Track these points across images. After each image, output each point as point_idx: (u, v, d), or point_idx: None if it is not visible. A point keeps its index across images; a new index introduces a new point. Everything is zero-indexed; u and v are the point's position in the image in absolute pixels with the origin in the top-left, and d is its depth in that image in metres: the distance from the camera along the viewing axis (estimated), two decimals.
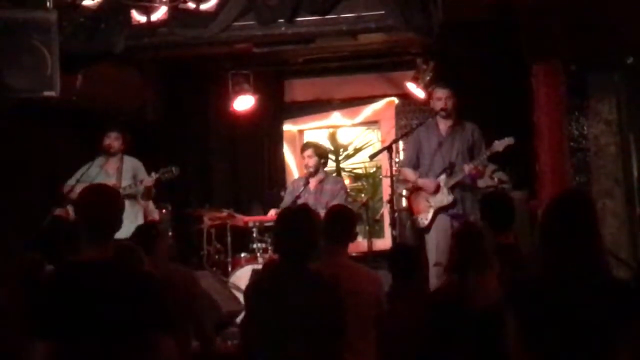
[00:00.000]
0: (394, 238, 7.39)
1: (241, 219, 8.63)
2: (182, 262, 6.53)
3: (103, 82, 8.11)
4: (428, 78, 8.58)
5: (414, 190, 7.35)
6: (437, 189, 7.08)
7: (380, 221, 10.22)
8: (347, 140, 11.83)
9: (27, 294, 4.68)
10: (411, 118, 9.95)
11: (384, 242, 9.59)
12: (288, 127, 10.82)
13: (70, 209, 7.53)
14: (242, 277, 7.74)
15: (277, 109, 10.55)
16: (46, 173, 7.89)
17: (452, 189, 7.09)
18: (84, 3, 7.21)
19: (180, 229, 8.59)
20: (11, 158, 7.57)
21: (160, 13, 7.29)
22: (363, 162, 11.82)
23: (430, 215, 7.13)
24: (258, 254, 8.28)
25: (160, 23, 7.33)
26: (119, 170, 7.76)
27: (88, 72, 7.78)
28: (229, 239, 8.54)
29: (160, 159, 8.11)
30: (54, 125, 8.04)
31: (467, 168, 7.03)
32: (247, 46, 8.06)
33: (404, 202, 8.43)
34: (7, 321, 4.72)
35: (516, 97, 7.63)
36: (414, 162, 7.34)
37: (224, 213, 8.63)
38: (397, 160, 8.50)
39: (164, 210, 8.38)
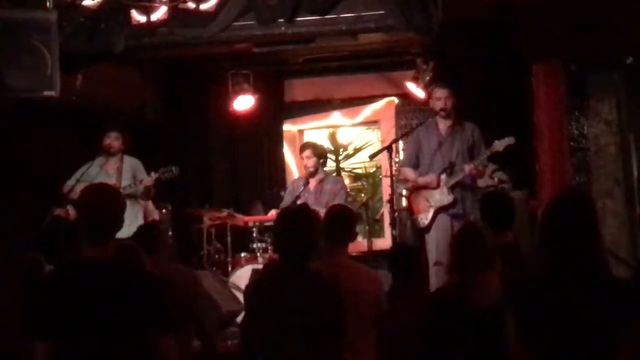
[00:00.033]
0: (393, 238, 7.39)
1: (241, 218, 8.64)
2: (182, 262, 6.53)
3: (103, 82, 8.11)
4: (428, 78, 8.58)
5: (414, 190, 7.35)
6: (438, 183, 7.08)
7: (380, 221, 10.23)
8: (347, 140, 11.84)
9: (27, 294, 4.68)
10: (411, 118, 9.95)
11: (384, 242, 9.59)
12: (288, 127, 10.82)
13: (70, 209, 7.54)
14: (242, 276, 7.74)
15: (277, 108, 10.55)
16: (46, 173, 7.88)
17: (452, 188, 7.09)
18: (84, 3, 7.21)
19: (180, 228, 8.59)
20: (11, 158, 7.56)
21: (160, 13, 7.29)
22: (363, 162, 11.83)
23: (430, 215, 7.13)
24: (258, 254, 8.28)
25: (160, 23, 7.34)
26: (118, 170, 7.76)
27: (88, 72, 7.78)
28: (229, 238, 8.55)
29: (160, 158, 8.11)
30: (54, 125, 8.04)
31: (468, 168, 7.03)
32: (247, 46, 8.06)
33: (404, 202, 8.43)
34: (7, 321, 4.72)
35: (516, 96, 7.63)
36: (414, 162, 7.34)
37: (224, 213, 8.64)
38: (397, 160, 8.51)
39: (163, 210, 8.38)
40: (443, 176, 7.11)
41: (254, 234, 8.40)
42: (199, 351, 5.11)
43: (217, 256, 8.64)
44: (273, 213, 8.11)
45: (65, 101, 7.15)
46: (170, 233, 7.74)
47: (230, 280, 7.91)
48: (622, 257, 6.65)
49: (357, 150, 11.81)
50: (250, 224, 8.51)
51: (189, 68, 9.42)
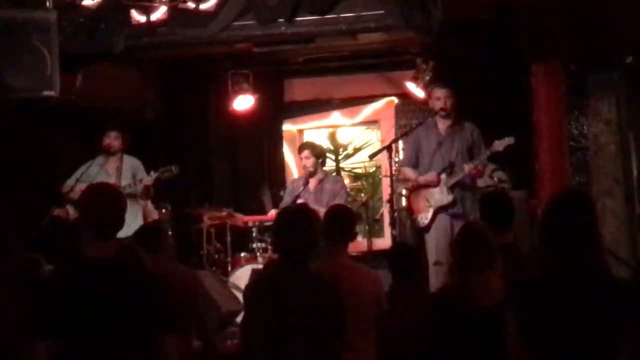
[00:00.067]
0: (393, 237, 7.39)
1: (241, 218, 8.64)
2: (182, 261, 6.53)
3: (103, 82, 8.11)
4: (428, 78, 8.58)
5: (414, 189, 7.35)
6: (438, 182, 7.07)
7: (380, 221, 10.23)
8: (346, 139, 11.83)
9: (27, 294, 4.69)
10: (411, 118, 9.95)
11: (384, 242, 9.59)
12: (288, 127, 10.82)
13: (70, 208, 7.54)
14: (241, 276, 7.74)
15: (276, 108, 10.55)
16: (46, 173, 7.88)
17: (451, 188, 7.09)
18: (84, 3, 7.21)
19: (180, 228, 8.59)
20: (11, 158, 7.57)
21: (159, 13, 7.29)
22: (363, 162, 11.82)
23: (430, 214, 7.13)
24: (258, 254, 8.28)
25: (160, 23, 7.34)
26: (118, 169, 7.76)
27: (88, 72, 7.78)
28: (228, 238, 8.55)
29: (160, 158, 8.11)
30: (54, 125, 8.04)
31: (467, 168, 7.03)
32: (247, 46, 8.06)
33: (404, 202, 8.43)
34: (7, 321, 4.72)
35: (516, 96, 7.63)
36: (414, 162, 7.34)
37: (224, 212, 8.64)
38: (396, 159, 8.50)
39: (163, 210, 8.38)
40: (443, 176, 7.11)
41: (254, 234, 8.40)
42: (199, 351, 5.11)
43: (216, 256, 8.64)
44: (273, 213, 8.11)
45: (65, 101, 7.15)
46: (170, 233, 7.74)
47: (229, 280, 7.91)
48: (621, 256, 6.65)
49: (356, 150, 11.81)
50: (250, 223, 8.51)
51: (188, 68, 9.42)
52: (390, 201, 7.50)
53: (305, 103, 10.69)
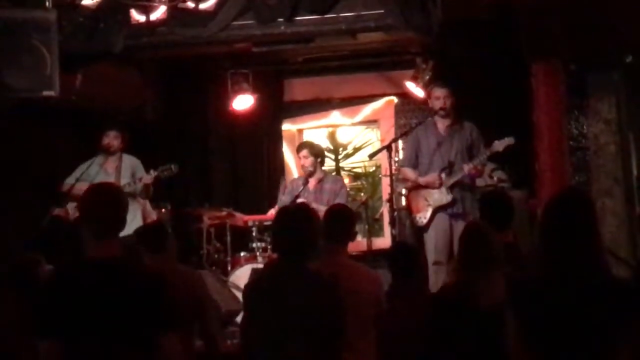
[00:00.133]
0: (393, 237, 7.40)
1: (241, 218, 8.64)
2: (182, 261, 6.53)
3: (102, 82, 8.11)
4: (427, 77, 8.58)
5: (413, 188, 7.35)
6: (441, 183, 7.07)
7: (379, 220, 10.22)
8: (346, 139, 11.82)
9: (27, 294, 4.69)
10: (410, 117, 9.94)
11: (384, 241, 9.59)
12: (287, 127, 10.82)
13: (69, 208, 7.54)
14: (241, 276, 7.74)
15: (276, 108, 10.55)
16: (46, 172, 7.89)
17: (451, 188, 7.09)
18: (83, 2, 7.21)
19: (180, 228, 8.58)
20: (11, 158, 7.57)
21: (159, 12, 7.29)
22: (362, 161, 11.81)
23: (428, 214, 7.13)
24: (257, 253, 8.28)
25: (160, 22, 7.34)
26: (117, 169, 7.76)
27: (87, 71, 7.78)
28: (228, 238, 8.55)
29: (160, 158, 8.10)
30: (54, 124, 8.04)
31: (467, 168, 7.03)
32: (247, 45, 8.06)
33: (404, 201, 8.43)
34: (7, 321, 4.73)
35: (516, 96, 7.62)
36: (413, 162, 7.34)
37: (224, 212, 8.64)
38: (396, 159, 8.50)
39: (163, 210, 8.38)
40: (442, 175, 7.11)
41: (254, 234, 8.40)
42: (201, 351, 5.11)
43: (216, 255, 8.64)
44: (272, 212, 8.10)
45: (65, 101, 7.15)
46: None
47: (229, 280, 7.91)
48: (621, 256, 6.66)
49: (356, 150, 11.80)
50: (250, 223, 8.51)
51: (188, 67, 9.42)
52: (390, 201, 7.50)
53: (305, 103, 10.68)
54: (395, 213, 7.75)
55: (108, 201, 3.52)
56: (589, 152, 7.19)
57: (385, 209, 9.34)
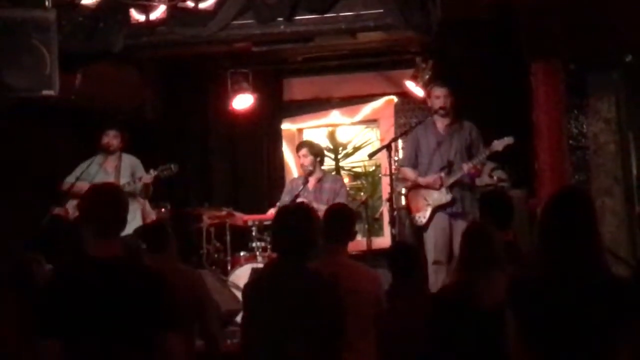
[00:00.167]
0: (393, 236, 7.40)
1: (240, 217, 8.64)
2: (182, 261, 6.54)
3: (102, 81, 8.11)
4: (427, 77, 8.58)
5: (413, 188, 7.35)
6: (441, 184, 7.06)
7: (379, 219, 10.22)
8: (346, 138, 11.82)
9: (27, 294, 4.69)
10: (410, 116, 9.94)
11: (384, 241, 9.59)
12: (287, 126, 10.81)
13: (69, 207, 7.54)
14: (241, 275, 7.74)
15: (276, 107, 10.54)
16: (45, 172, 7.89)
17: (450, 187, 7.09)
18: (83, 2, 7.21)
19: (180, 228, 8.57)
20: (10, 157, 7.57)
21: (159, 12, 7.29)
22: (362, 161, 11.81)
23: (428, 213, 7.13)
24: (257, 253, 8.28)
25: (159, 22, 7.34)
26: (117, 168, 7.76)
27: (87, 71, 7.78)
28: (228, 237, 8.55)
29: (160, 157, 8.10)
30: (53, 124, 8.05)
31: (466, 167, 7.03)
32: (246, 45, 8.06)
33: (403, 201, 8.43)
34: (7, 321, 4.72)
35: (515, 96, 7.63)
36: (413, 161, 7.33)
37: (223, 212, 8.64)
38: (396, 158, 8.49)
39: (163, 209, 8.37)
40: (443, 176, 7.11)
41: (253, 233, 8.40)
42: (202, 351, 5.11)
43: (216, 255, 8.64)
44: (272, 212, 8.10)
45: (65, 100, 7.15)
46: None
47: (229, 280, 7.91)
48: (621, 255, 6.66)
49: (356, 149, 11.80)
50: (250, 222, 8.51)
51: (188, 67, 9.42)
52: (389, 200, 7.50)
53: (305, 102, 10.68)
54: (395, 212, 7.75)
55: (109, 201, 3.52)
56: (588, 151, 7.20)
57: (385, 209, 9.33)
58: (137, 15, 7.31)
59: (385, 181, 8.87)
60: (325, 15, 7.22)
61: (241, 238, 8.62)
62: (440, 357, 4.02)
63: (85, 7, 7.22)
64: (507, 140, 6.91)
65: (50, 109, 7.43)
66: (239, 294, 7.05)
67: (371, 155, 8.18)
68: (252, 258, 8.25)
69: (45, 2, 6.68)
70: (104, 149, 7.75)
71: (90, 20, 7.26)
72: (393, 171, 7.27)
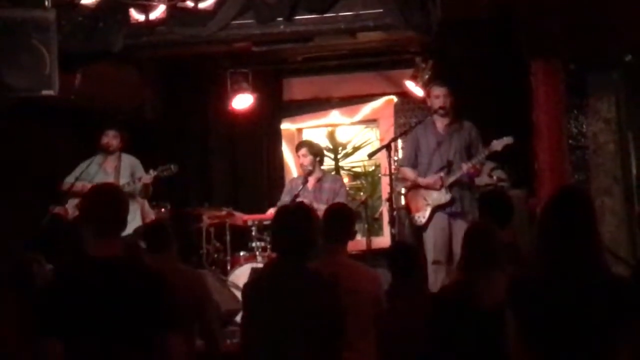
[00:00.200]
0: (392, 236, 7.39)
1: (240, 217, 8.64)
2: (181, 261, 6.54)
3: (102, 81, 8.11)
4: (427, 76, 8.58)
5: (412, 188, 7.35)
6: (442, 184, 7.06)
7: (379, 219, 10.21)
8: (345, 138, 11.81)
9: (27, 294, 4.69)
10: (410, 116, 9.95)
11: (383, 240, 9.58)
12: (287, 126, 10.81)
13: (69, 207, 7.54)
14: (241, 275, 7.74)
15: (275, 107, 10.54)
16: (45, 172, 7.89)
17: (450, 187, 7.09)
18: (83, 2, 7.20)
19: (179, 227, 8.57)
20: (10, 157, 7.57)
21: (158, 12, 7.29)
22: (362, 161, 11.80)
23: (427, 213, 7.13)
24: (257, 253, 8.28)
25: (159, 22, 7.34)
26: (116, 168, 7.77)
27: (87, 71, 7.78)
28: (228, 237, 8.54)
29: (159, 157, 8.10)
30: (53, 124, 8.05)
31: (466, 167, 7.03)
32: (246, 45, 8.06)
33: (403, 200, 8.43)
34: (7, 321, 4.72)
35: (515, 95, 7.62)
36: (413, 161, 7.33)
37: (223, 212, 8.63)
38: (395, 158, 8.49)
39: (162, 209, 8.37)
40: (443, 176, 7.11)
41: (253, 233, 8.40)
42: (202, 350, 5.11)
43: (216, 255, 8.64)
44: (271, 212, 8.10)
45: (64, 100, 7.15)
46: None
47: (229, 279, 7.91)
48: (621, 255, 6.66)
49: (356, 149, 11.79)
50: (250, 222, 8.51)
51: (187, 67, 9.42)
52: (389, 200, 7.49)
53: (304, 102, 10.67)
54: (395, 212, 7.74)
55: (109, 201, 3.53)
56: (588, 151, 7.20)
57: (384, 208, 9.32)
58: (136, 15, 7.31)
59: (385, 181, 8.87)
60: (325, 15, 7.22)
61: (241, 238, 8.62)
62: (440, 357, 4.02)
63: (85, 7, 7.22)
64: (506, 140, 6.91)
65: (50, 109, 7.43)
66: (238, 294, 7.05)
67: (371, 155, 8.18)
68: (252, 258, 8.25)
69: (45, 2, 6.68)
70: (104, 149, 7.75)
71: (90, 20, 7.26)
72: (393, 171, 7.27)
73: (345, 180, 10.36)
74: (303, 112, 10.85)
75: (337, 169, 11.52)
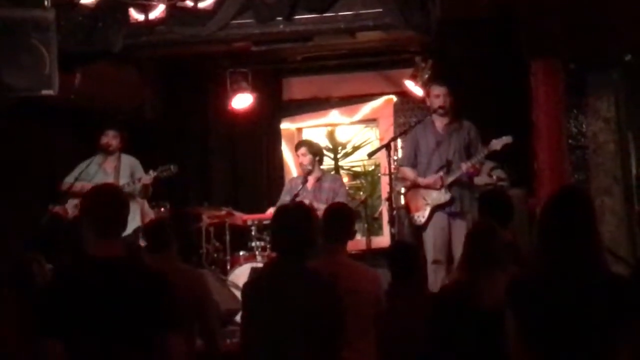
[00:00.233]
0: (392, 236, 7.38)
1: (240, 217, 8.64)
2: (181, 260, 6.54)
3: (101, 81, 8.11)
4: (426, 76, 8.58)
5: (411, 187, 7.35)
6: (442, 184, 7.06)
7: (378, 219, 10.21)
8: (345, 138, 11.81)
9: (27, 294, 4.69)
10: (409, 116, 9.95)
11: (383, 240, 9.58)
12: (286, 125, 10.81)
13: (68, 206, 7.54)
14: (240, 275, 7.74)
15: (275, 107, 10.55)
16: (45, 172, 7.89)
17: (449, 186, 7.09)
18: (82, 2, 7.20)
19: (179, 227, 8.56)
20: (10, 157, 7.56)
21: (158, 11, 7.29)
22: (361, 160, 11.80)
23: (427, 213, 7.13)
24: (257, 252, 8.28)
25: (159, 21, 7.34)
26: (116, 169, 7.76)
27: (86, 70, 7.78)
28: (227, 237, 8.55)
29: (159, 157, 8.11)
30: (53, 124, 8.04)
31: (465, 167, 7.03)
32: (246, 44, 8.06)
33: (403, 200, 8.43)
34: (7, 321, 4.72)
35: (515, 95, 7.62)
36: (412, 161, 7.33)
37: (223, 211, 8.64)
38: (395, 158, 8.49)
39: (162, 209, 8.37)
40: (443, 176, 7.10)
41: (253, 233, 8.40)
42: (201, 350, 5.10)
43: (215, 255, 8.64)
44: (271, 211, 8.09)
45: (64, 100, 7.15)
46: None
47: (228, 279, 7.91)
48: (620, 255, 6.66)
49: (355, 149, 11.79)
50: (249, 222, 8.51)
51: (187, 66, 9.42)
52: (389, 199, 7.49)
53: (304, 101, 10.68)
54: (395, 212, 7.73)
55: (110, 201, 3.54)
56: (588, 150, 7.20)
57: (384, 208, 9.33)
58: (136, 15, 7.31)
59: (385, 180, 8.86)
60: (325, 15, 7.22)
61: (240, 237, 8.62)
62: (440, 357, 4.02)
63: (85, 7, 7.22)
64: (506, 139, 6.91)
65: (49, 108, 7.43)
66: (238, 294, 7.05)
67: (370, 155, 8.17)
68: (252, 257, 8.25)
69: (45, 1, 6.67)
70: (103, 149, 7.75)
71: (90, 20, 7.25)
72: (392, 170, 7.27)
73: (345, 179, 10.36)
74: (303, 112, 10.85)
75: (337, 168, 11.52)
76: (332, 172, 10.48)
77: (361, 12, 7.21)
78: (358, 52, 9.25)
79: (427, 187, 7.13)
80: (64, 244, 6.62)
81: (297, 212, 4.27)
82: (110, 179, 7.45)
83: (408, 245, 5.70)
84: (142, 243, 6.86)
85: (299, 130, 11.09)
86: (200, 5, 7.20)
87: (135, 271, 3.51)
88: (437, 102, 7.19)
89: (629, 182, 7.17)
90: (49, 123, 7.94)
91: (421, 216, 7.16)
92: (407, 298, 4.75)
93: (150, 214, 7.92)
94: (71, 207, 7.50)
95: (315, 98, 10.60)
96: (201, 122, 10.11)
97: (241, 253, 8.43)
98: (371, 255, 8.44)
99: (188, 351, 4.41)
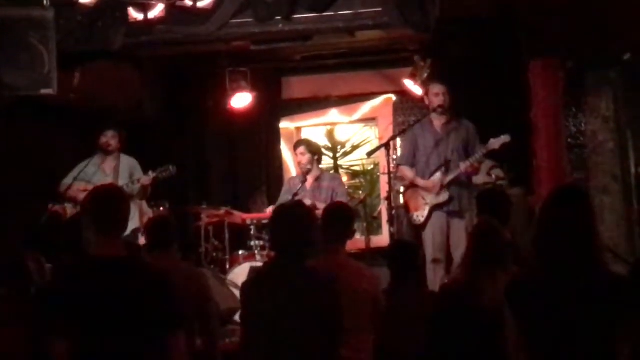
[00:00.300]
0: (391, 235, 7.38)
1: (239, 216, 8.64)
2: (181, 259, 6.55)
3: (100, 80, 8.10)
4: (425, 75, 8.57)
5: (410, 187, 7.35)
6: (441, 188, 7.06)
7: (378, 218, 10.21)
8: (344, 137, 11.81)
9: (26, 293, 4.68)
10: (409, 115, 9.95)
11: (382, 239, 9.57)
12: (285, 125, 10.81)
13: (67, 206, 7.53)
14: (240, 274, 7.74)
15: (274, 106, 10.54)
16: (44, 171, 7.88)
17: (448, 186, 7.09)
18: (81, 1, 7.19)
19: (178, 226, 8.54)
20: (9, 156, 7.56)
21: (157, 10, 7.28)
22: (361, 159, 11.80)
23: (426, 212, 7.13)
24: (256, 252, 8.28)
25: (158, 20, 7.33)
26: (115, 169, 7.76)
27: (85, 69, 7.78)
28: (226, 236, 8.54)
29: (158, 156, 8.11)
30: (52, 123, 8.04)
31: (464, 166, 7.03)
32: (245, 43, 8.06)
33: (402, 199, 8.43)
34: (7, 321, 4.72)
35: (514, 93, 7.63)
36: (411, 160, 7.34)
37: (222, 210, 8.63)
38: (394, 157, 8.50)
39: (161, 208, 8.37)
40: (438, 174, 7.11)
41: (252, 232, 8.40)
42: (201, 349, 5.11)
43: (215, 254, 8.64)
44: (270, 210, 8.10)
45: (63, 99, 7.15)
46: None
47: (228, 278, 7.91)
48: (619, 253, 6.67)
49: (354, 148, 11.79)
50: (248, 221, 8.51)
51: (186, 66, 9.41)
52: (388, 199, 7.49)
53: (303, 101, 10.67)
54: (394, 211, 7.74)
55: (111, 201, 3.56)
56: (587, 149, 7.22)
57: (383, 207, 9.33)
58: (135, 14, 7.30)
59: (384, 180, 8.87)
60: (324, 14, 7.21)
61: (240, 237, 8.62)
62: (441, 357, 4.03)
63: (84, 6, 7.21)
64: (504, 138, 6.91)
65: (48, 107, 7.43)
66: (237, 293, 7.04)
67: (370, 154, 8.15)
68: (251, 257, 8.25)
69: (44, 0, 6.67)
70: (102, 149, 7.75)
71: (89, 19, 7.24)
72: (391, 170, 7.27)
73: (344, 179, 10.36)
74: (302, 111, 10.84)
75: (336, 167, 11.52)
76: (331, 172, 10.47)
77: (360, 11, 7.20)
78: (357, 51, 9.25)
79: (426, 189, 7.13)
80: (63, 243, 6.62)
81: (297, 211, 4.27)
82: (109, 180, 7.44)
83: (408, 244, 5.71)
84: (142, 242, 6.87)
85: (298, 129, 11.09)
86: (200, 4, 7.20)
87: (137, 270, 3.52)
88: (436, 101, 7.19)
89: (627, 180, 7.18)
90: (48, 122, 7.94)
91: (420, 215, 7.16)
92: (407, 297, 4.75)
93: (149, 214, 7.92)
94: (70, 206, 7.49)
95: (315, 97, 10.59)
96: (200, 121, 10.11)
97: (240, 252, 8.42)
98: (370, 254, 8.43)
99: (189, 350, 4.42)
